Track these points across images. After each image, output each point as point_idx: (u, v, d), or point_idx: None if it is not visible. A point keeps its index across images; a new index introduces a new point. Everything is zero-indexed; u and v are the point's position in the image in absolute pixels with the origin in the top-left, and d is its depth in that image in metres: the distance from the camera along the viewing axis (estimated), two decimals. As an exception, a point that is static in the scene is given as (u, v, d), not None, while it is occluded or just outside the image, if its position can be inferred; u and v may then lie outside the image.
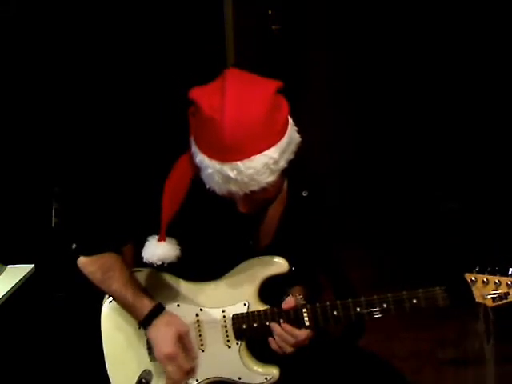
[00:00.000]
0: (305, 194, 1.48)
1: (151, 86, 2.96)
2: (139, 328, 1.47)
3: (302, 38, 4.13)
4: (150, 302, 1.43)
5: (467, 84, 3.71)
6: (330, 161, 4.10)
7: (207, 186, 1.27)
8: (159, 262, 1.34)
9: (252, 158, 1.19)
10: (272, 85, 1.25)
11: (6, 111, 2.48)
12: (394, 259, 3.35)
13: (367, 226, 3.84)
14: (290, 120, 1.28)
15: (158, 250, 1.34)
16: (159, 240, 1.34)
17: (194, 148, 1.27)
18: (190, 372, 1.42)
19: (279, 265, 1.43)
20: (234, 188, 1.21)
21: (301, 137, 1.30)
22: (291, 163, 1.33)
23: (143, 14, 2.94)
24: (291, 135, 1.26)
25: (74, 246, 1.52)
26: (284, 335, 1.38)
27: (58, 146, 2.62)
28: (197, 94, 1.24)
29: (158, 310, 1.42)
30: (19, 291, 1.89)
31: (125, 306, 1.47)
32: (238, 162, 1.19)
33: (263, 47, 3.89)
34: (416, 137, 3.97)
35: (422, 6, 3.79)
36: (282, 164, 1.24)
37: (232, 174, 1.19)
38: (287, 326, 1.37)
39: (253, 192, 1.23)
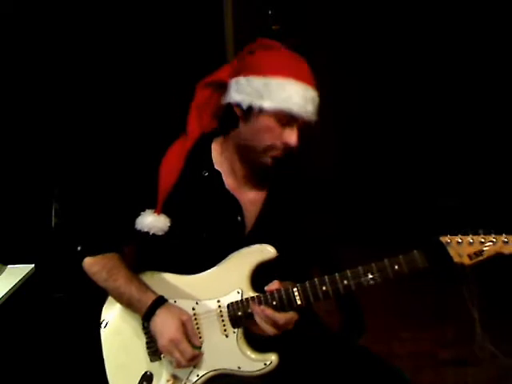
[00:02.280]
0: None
1: (151, 86, 2.96)
2: (143, 322, 1.48)
3: (302, 38, 4.13)
4: (154, 294, 1.47)
5: (467, 82, 3.72)
6: (331, 160, 4.11)
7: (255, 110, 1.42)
8: (146, 230, 1.46)
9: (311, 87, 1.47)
10: None
11: (6, 111, 2.48)
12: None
13: (366, 225, 3.84)
14: None
15: (148, 218, 1.47)
16: (154, 212, 1.46)
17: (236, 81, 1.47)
18: (195, 359, 1.43)
19: (267, 251, 1.47)
20: (308, 108, 1.42)
21: None
22: None
23: (143, 14, 2.94)
24: None
25: (79, 248, 1.56)
26: (261, 314, 1.41)
27: (57, 146, 2.62)
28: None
29: (160, 301, 1.46)
30: (19, 291, 1.89)
31: (130, 301, 1.48)
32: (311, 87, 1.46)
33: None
34: (416, 135, 3.98)
35: (422, 7, 3.80)
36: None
37: (310, 94, 1.45)
38: (266, 310, 1.40)
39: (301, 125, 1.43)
